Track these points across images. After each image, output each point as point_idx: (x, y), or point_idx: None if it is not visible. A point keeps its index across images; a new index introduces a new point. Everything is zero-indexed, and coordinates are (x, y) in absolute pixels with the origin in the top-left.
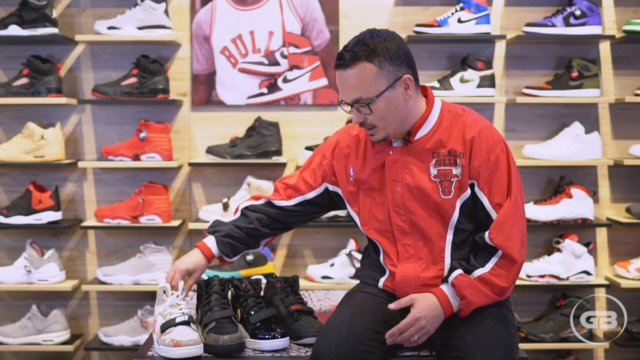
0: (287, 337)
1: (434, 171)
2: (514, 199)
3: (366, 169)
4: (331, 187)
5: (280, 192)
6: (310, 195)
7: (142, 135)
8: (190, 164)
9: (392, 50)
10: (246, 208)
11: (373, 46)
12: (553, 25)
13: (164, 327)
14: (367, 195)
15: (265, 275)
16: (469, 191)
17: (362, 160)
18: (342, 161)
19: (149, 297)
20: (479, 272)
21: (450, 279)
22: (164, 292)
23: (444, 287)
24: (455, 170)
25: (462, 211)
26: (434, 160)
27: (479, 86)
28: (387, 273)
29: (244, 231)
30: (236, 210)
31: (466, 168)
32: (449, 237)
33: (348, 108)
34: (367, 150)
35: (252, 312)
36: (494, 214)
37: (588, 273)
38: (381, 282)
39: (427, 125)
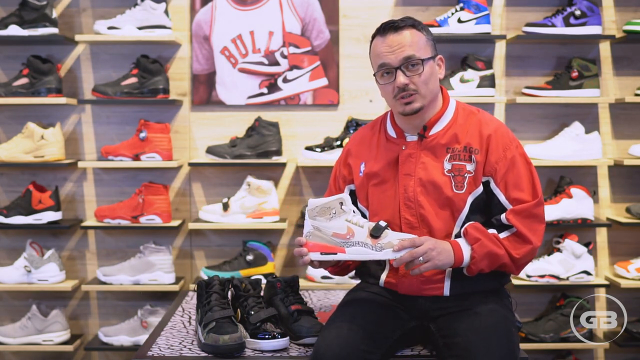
0: (287, 337)
1: (447, 166)
2: (539, 197)
3: (378, 162)
4: (353, 187)
5: None
6: None
7: (142, 135)
8: (190, 164)
9: (430, 32)
10: None
11: (418, 22)
12: (553, 25)
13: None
14: (377, 189)
15: (265, 275)
16: (481, 188)
17: (375, 154)
18: (355, 159)
19: (149, 297)
20: (492, 231)
21: (464, 227)
22: (341, 203)
23: (457, 239)
24: (470, 167)
25: (472, 208)
26: (449, 155)
27: (479, 86)
28: (388, 268)
29: None
30: None
31: (481, 165)
32: (455, 233)
33: (384, 76)
34: (380, 144)
35: (252, 312)
36: (510, 207)
37: (588, 273)
38: (382, 280)
39: (442, 121)
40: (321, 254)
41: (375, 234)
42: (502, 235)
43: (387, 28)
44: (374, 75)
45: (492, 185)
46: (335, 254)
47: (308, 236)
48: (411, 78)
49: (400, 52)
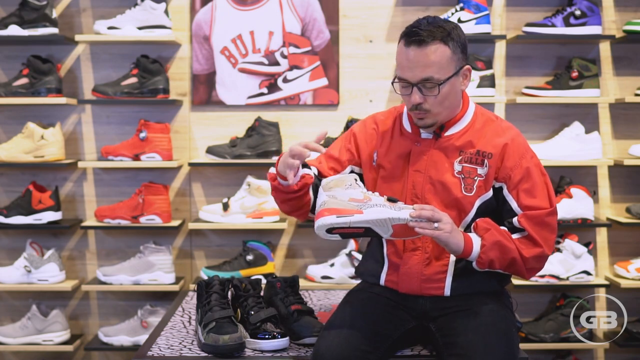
0: (287, 337)
1: (458, 167)
2: (554, 207)
3: (390, 155)
4: (357, 170)
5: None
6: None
7: (142, 135)
8: (190, 164)
9: (462, 39)
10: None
11: (449, 30)
12: (553, 25)
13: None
14: (385, 182)
15: (265, 275)
16: (490, 193)
17: (387, 146)
18: (367, 145)
19: (149, 297)
20: (504, 229)
21: (475, 222)
22: (356, 179)
23: (468, 233)
24: (481, 170)
25: (479, 211)
26: (460, 157)
27: (479, 86)
28: (387, 266)
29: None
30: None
31: (493, 169)
32: None
33: (401, 87)
34: (394, 137)
35: (252, 312)
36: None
37: (588, 273)
38: (382, 279)
39: (460, 123)
40: (337, 217)
41: (393, 199)
42: (514, 236)
43: (412, 40)
44: (394, 77)
45: (505, 191)
46: (352, 215)
47: (323, 205)
48: (426, 97)
49: (419, 72)
